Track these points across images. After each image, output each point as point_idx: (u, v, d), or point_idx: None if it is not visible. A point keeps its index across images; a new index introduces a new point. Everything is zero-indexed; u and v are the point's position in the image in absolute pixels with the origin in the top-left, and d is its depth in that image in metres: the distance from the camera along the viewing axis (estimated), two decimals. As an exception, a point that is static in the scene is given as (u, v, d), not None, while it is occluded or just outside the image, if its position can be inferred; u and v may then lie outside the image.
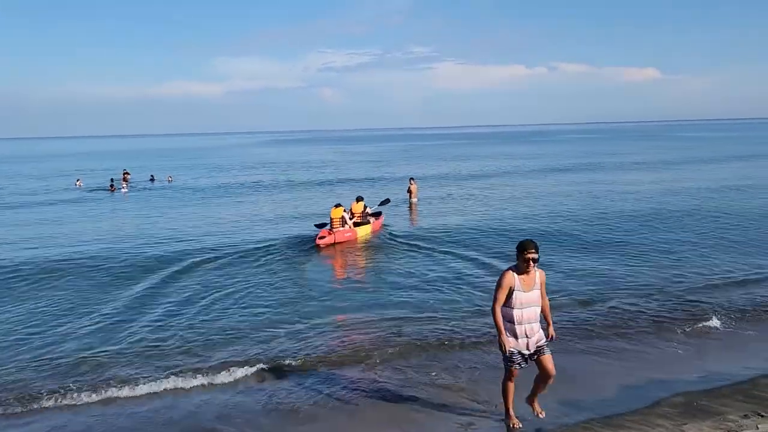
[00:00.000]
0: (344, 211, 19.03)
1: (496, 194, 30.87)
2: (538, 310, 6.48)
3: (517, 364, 6.49)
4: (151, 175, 46.32)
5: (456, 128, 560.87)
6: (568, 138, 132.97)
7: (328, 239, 18.08)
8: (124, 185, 39.15)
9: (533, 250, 6.27)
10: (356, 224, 19.48)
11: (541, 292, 6.52)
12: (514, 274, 6.36)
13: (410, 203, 27.12)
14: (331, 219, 18.75)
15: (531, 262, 6.27)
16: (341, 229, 18.54)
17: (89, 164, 73.23)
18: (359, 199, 20.51)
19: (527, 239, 6.45)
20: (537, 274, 6.45)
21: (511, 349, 6.41)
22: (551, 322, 6.72)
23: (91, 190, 38.50)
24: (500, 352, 6.51)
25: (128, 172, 46.68)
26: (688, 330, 10.06)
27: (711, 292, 12.16)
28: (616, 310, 11.20)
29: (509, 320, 6.40)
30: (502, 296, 6.36)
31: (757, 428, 6.55)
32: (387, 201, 23.19)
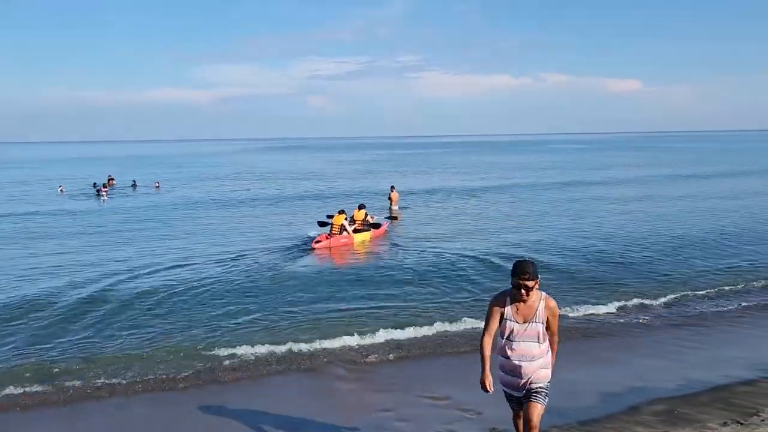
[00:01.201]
0: (345, 218, 19.51)
1: (481, 202, 31.02)
2: (540, 348, 5.08)
3: (512, 406, 5.44)
4: (133, 181, 45.48)
5: (444, 137, 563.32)
6: (554, 148, 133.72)
7: (324, 244, 18.60)
8: (104, 192, 37.86)
9: (526, 276, 4.87)
10: (356, 231, 19.98)
11: (551, 329, 5.13)
12: (508, 299, 5.09)
13: (391, 210, 27.13)
14: (332, 225, 19.38)
15: (523, 291, 4.90)
16: (338, 235, 19.11)
17: (75, 170, 72.59)
18: (361, 206, 21.02)
19: (522, 260, 5.03)
20: (541, 305, 5.03)
21: (504, 389, 5.29)
22: (554, 357, 5.28)
23: (72, 197, 37.84)
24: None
25: (113, 177, 46.34)
26: (667, 337, 10.17)
27: (689, 300, 12.34)
28: (597, 317, 11.31)
29: (502, 354, 5.17)
30: (490, 325, 5.13)
31: (736, 436, 6.60)
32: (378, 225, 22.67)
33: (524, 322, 5.02)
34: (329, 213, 20.92)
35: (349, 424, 7.31)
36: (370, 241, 19.91)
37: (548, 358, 5.16)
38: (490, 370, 5.11)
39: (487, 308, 5.23)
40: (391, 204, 27.86)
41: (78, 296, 13.30)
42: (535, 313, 5.02)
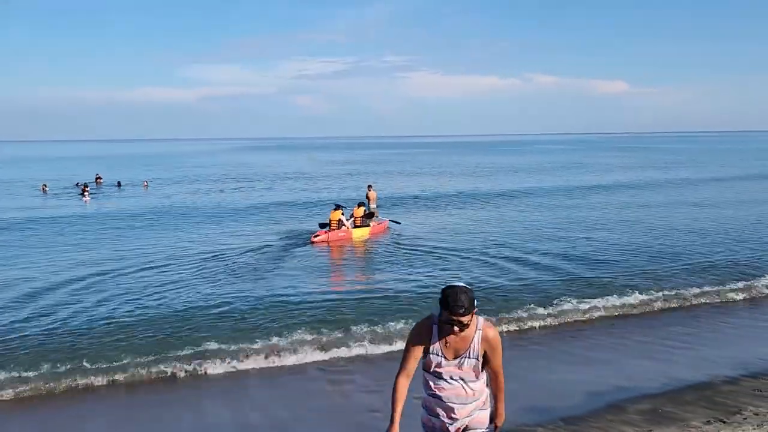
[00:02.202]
0: (342, 214, 20.48)
1: (471, 201, 31.13)
2: (475, 387, 3.97)
3: None
4: (118, 182, 44.79)
5: (432, 137, 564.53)
6: (543, 149, 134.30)
7: (322, 238, 19.53)
8: (86, 192, 36.10)
9: (461, 310, 3.69)
10: (357, 226, 20.97)
11: (491, 366, 3.97)
12: (435, 329, 3.90)
13: (369, 208, 27.16)
14: (330, 220, 20.39)
15: (456, 327, 3.76)
16: (337, 230, 20.11)
17: (62, 168, 71.83)
18: (360, 204, 22.21)
19: (453, 288, 3.77)
20: (477, 336, 3.89)
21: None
22: (501, 405, 4.13)
23: (55, 195, 37.31)
24: None
25: (101, 176, 45.96)
26: (653, 338, 10.29)
27: (674, 300, 12.45)
28: (582, 317, 11.40)
29: (428, 391, 4.07)
30: (408, 363, 3.98)
31: (719, 434, 6.71)
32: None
33: (455, 357, 3.93)
34: (322, 222, 21.48)
35: (337, 424, 7.35)
36: (368, 237, 20.73)
37: (486, 395, 4.10)
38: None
39: (407, 337, 4.06)
40: (369, 202, 28.02)
41: (52, 297, 13.12)
42: (470, 347, 3.90)
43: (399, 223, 23.16)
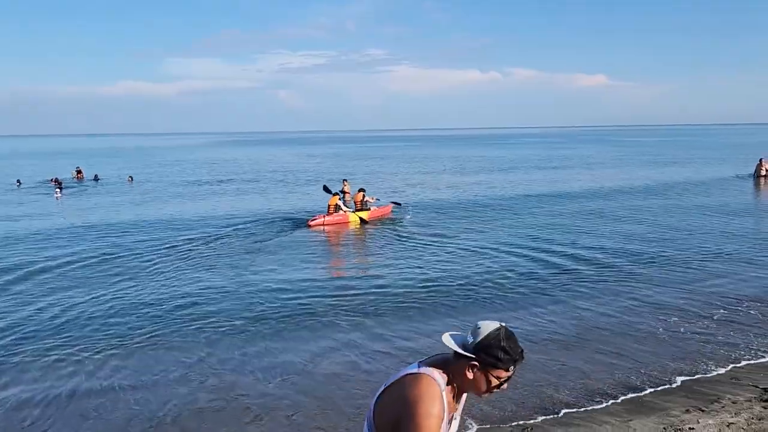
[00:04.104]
0: (339, 199, 22.04)
1: (459, 196, 31.17)
2: None
3: None
4: (95, 175, 44.11)
5: (413, 131, 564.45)
6: (524, 141, 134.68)
7: (319, 221, 20.89)
8: (58, 190, 34.54)
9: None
10: (358, 210, 22.38)
11: None
12: (443, 395, 2.79)
13: (345, 202, 27.39)
14: (328, 205, 21.95)
15: (505, 385, 2.86)
16: (334, 213, 21.57)
17: (39, 162, 70.72)
18: (361, 190, 23.69)
19: (509, 331, 2.83)
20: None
21: None
22: None
23: (31, 188, 36.76)
24: None
25: (81, 171, 45.31)
26: (633, 332, 10.35)
27: (655, 296, 12.50)
28: (566, 312, 11.43)
29: None
30: None
31: (698, 422, 6.79)
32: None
33: (452, 420, 2.99)
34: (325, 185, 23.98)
35: (324, 420, 7.36)
36: (367, 220, 21.79)
37: None
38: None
39: (418, 417, 2.68)
40: (344, 196, 28.25)
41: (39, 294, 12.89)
42: (461, 405, 3.08)
43: (399, 205, 24.93)
